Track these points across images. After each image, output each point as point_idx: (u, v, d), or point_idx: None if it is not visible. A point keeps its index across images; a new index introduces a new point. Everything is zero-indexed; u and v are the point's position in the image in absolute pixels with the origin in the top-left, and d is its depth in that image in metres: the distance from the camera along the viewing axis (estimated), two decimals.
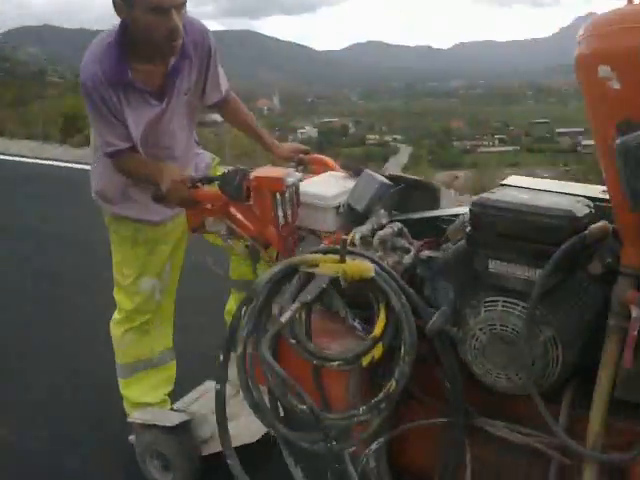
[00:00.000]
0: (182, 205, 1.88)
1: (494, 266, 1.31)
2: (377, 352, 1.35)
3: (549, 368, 1.28)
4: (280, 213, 1.68)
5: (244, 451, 1.86)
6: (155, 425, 2.07)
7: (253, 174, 1.68)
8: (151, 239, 2.13)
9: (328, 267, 1.35)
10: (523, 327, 1.25)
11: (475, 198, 1.35)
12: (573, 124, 67.50)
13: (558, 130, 67.04)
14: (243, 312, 1.50)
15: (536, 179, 1.58)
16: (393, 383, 1.34)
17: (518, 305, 1.29)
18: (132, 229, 2.11)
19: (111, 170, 2.00)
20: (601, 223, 1.25)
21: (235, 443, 2.02)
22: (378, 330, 1.34)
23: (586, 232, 1.22)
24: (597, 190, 1.45)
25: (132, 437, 2.23)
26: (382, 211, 1.63)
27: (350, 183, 1.71)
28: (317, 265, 1.37)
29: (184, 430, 2.06)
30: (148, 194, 1.95)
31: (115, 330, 2.25)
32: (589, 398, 1.31)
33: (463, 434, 1.41)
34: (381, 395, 1.35)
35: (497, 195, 1.35)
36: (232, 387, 2.39)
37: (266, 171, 1.74)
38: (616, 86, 1.04)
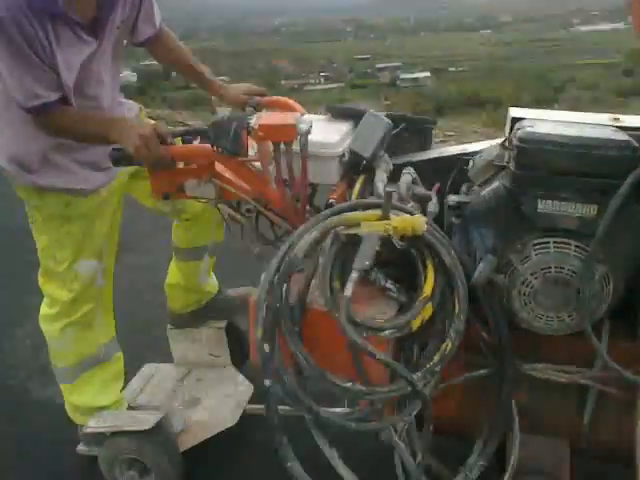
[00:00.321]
0: (154, 167, 1.52)
1: (544, 206, 1.23)
2: (426, 313, 1.24)
3: (601, 304, 1.26)
4: (286, 167, 1.44)
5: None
6: (126, 431, 1.75)
7: (254, 121, 1.39)
8: (85, 213, 1.75)
9: (375, 226, 1.17)
10: (582, 267, 1.20)
11: (520, 133, 1.24)
12: (391, 59, 70.77)
13: (378, 66, 69.62)
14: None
15: (538, 110, 1.51)
16: (449, 343, 1.24)
17: (571, 245, 1.23)
18: (62, 203, 1.70)
19: (30, 131, 1.58)
20: None
21: (218, 429, 1.82)
22: (428, 289, 1.23)
23: None
24: (606, 118, 1.43)
25: (82, 448, 1.93)
26: (386, 156, 1.47)
27: (343, 126, 1.51)
28: (358, 225, 1.19)
29: (160, 430, 1.76)
30: (78, 158, 1.58)
31: (50, 327, 1.85)
32: (626, 329, 1.32)
33: (512, 383, 1.36)
34: (436, 358, 1.24)
35: (544, 129, 1.25)
36: (180, 368, 2.14)
37: (270, 118, 1.46)
38: None
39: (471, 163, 1.42)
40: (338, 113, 1.60)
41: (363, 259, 1.17)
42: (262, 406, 1.31)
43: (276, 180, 1.46)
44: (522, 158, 1.23)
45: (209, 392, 2.04)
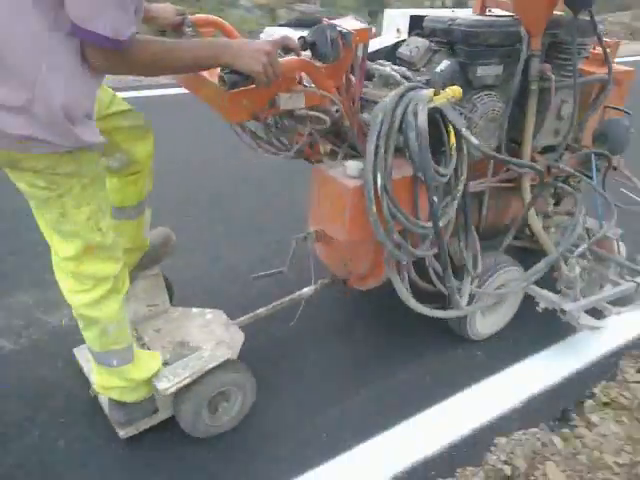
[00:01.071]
0: (269, 84, 1.46)
1: (481, 71, 1.93)
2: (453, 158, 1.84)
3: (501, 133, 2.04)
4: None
5: None
6: (208, 371, 1.75)
7: (345, 27, 1.56)
8: (101, 171, 1.52)
9: (442, 97, 1.69)
10: (502, 105, 1.96)
11: (465, 21, 1.85)
12: None
13: None
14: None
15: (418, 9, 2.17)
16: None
17: (494, 94, 1.98)
18: (94, 162, 1.45)
19: (84, 75, 1.27)
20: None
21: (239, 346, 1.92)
22: (453, 139, 1.79)
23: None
24: (449, 12, 2.18)
25: (127, 430, 1.82)
26: None
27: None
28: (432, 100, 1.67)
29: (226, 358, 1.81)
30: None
31: (105, 312, 1.61)
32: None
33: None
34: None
35: (469, 19, 1.92)
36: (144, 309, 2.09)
37: (348, 23, 1.61)
38: None
39: (405, 52, 1.96)
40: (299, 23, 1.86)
41: (460, 121, 1.72)
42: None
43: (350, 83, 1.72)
44: (472, 39, 1.84)
45: (185, 331, 2.01)
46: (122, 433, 1.81)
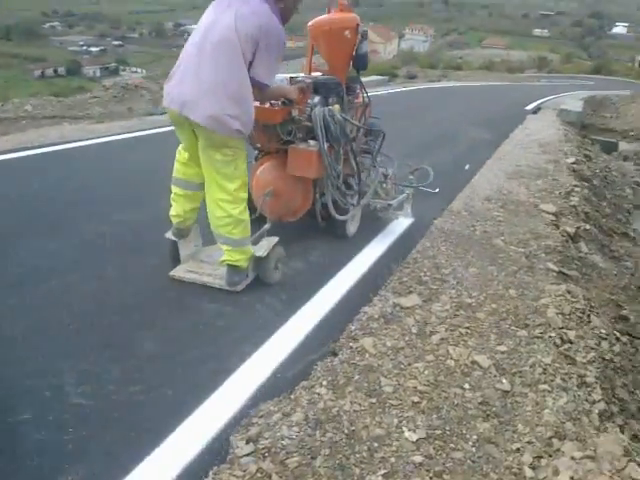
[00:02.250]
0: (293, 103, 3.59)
1: (330, 100, 3.89)
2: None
3: None
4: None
5: None
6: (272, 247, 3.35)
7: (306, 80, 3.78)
8: None
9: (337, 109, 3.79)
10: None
11: (314, 79, 3.89)
12: None
13: None
14: None
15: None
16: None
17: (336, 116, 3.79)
18: None
19: (253, 97, 3.01)
20: None
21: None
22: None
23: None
24: (287, 76, 3.95)
25: (252, 274, 3.34)
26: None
27: None
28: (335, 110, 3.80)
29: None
30: None
31: (246, 214, 3.16)
32: None
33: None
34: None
35: (320, 77, 4.04)
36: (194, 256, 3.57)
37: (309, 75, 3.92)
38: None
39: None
40: None
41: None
42: None
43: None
44: (326, 86, 3.84)
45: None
46: (239, 287, 3.25)
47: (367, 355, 2.79)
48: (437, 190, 4.61)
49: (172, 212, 3.32)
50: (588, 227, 5.30)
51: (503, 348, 2.96)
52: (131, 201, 4.59)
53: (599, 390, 2.68)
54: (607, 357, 3.05)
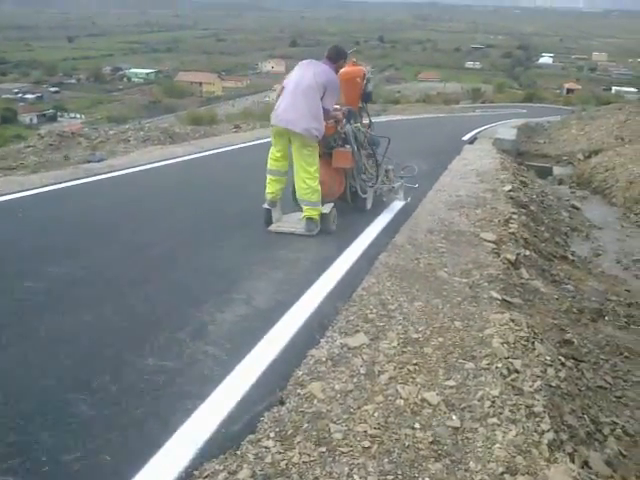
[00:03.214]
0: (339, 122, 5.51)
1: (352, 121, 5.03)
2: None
3: None
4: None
5: None
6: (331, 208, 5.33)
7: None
8: None
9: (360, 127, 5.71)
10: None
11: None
12: None
13: None
14: None
15: None
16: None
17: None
18: None
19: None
20: None
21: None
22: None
23: None
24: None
25: (317, 227, 5.20)
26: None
27: None
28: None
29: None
30: None
31: (318, 187, 5.12)
32: None
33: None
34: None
35: (344, 107, 5.78)
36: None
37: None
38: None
39: None
40: None
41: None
42: None
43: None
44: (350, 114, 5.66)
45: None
46: (314, 232, 5.11)
47: (315, 401, 2.73)
48: (416, 185, 6.82)
49: (267, 190, 5.25)
50: (528, 253, 5.43)
51: (452, 383, 2.94)
52: (63, 254, 4.42)
53: (547, 419, 2.69)
54: (554, 384, 3.08)
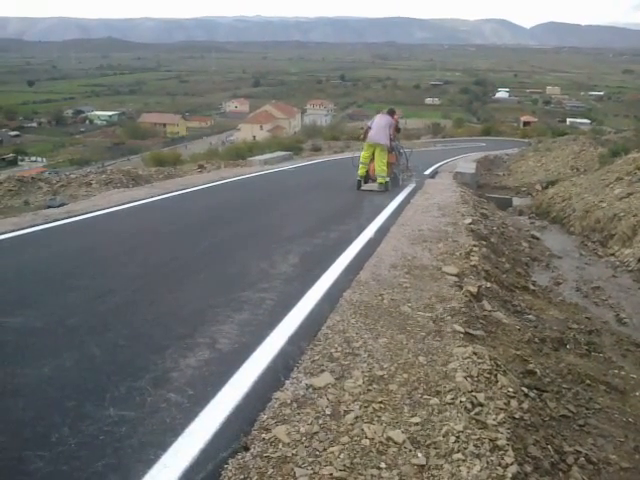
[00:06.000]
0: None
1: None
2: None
3: None
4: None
5: None
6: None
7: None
8: None
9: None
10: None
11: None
12: None
13: None
14: None
15: None
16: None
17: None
18: None
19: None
20: None
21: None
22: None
23: None
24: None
25: (385, 189, 10.95)
26: None
27: None
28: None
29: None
30: None
31: (386, 170, 10.95)
32: None
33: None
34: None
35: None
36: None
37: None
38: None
39: None
40: None
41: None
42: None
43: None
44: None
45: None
46: (383, 189, 10.79)
47: (280, 445, 2.70)
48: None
49: (359, 172, 10.91)
50: (489, 285, 5.53)
51: (417, 419, 2.95)
52: (20, 304, 4.33)
53: (511, 452, 2.71)
54: (517, 416, 3.11)
